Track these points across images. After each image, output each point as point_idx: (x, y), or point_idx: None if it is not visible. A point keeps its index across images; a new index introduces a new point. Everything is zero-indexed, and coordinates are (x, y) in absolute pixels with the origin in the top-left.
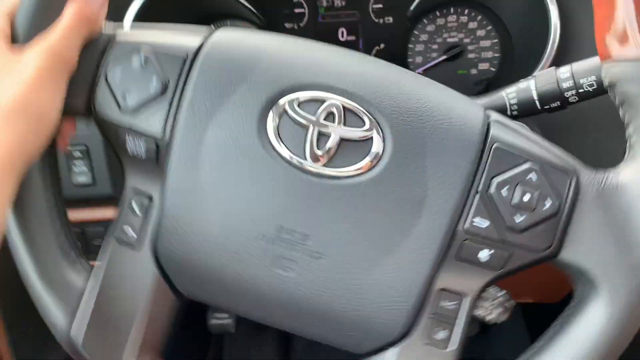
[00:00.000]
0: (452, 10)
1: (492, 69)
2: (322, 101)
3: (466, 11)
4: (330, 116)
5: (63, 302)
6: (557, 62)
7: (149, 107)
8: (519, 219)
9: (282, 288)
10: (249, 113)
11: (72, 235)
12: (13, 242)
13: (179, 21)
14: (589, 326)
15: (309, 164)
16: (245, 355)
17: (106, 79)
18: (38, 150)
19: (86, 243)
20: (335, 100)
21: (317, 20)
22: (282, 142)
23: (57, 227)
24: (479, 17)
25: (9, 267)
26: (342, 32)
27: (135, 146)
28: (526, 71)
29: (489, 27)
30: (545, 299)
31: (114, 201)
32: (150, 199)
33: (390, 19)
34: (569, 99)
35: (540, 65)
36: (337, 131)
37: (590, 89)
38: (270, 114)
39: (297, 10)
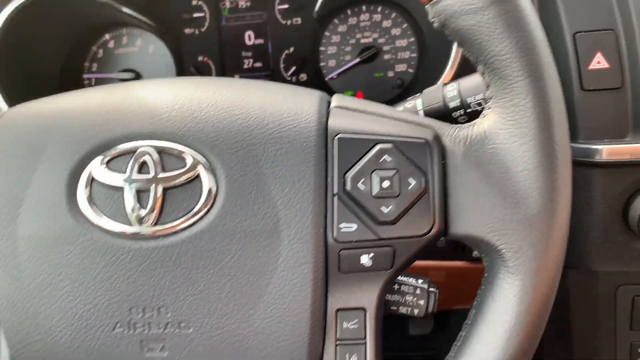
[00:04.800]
0: (364, 8)
1: (410, 70)
2: (132, 152)
3: (379, 9)
4: (145, 166)
5: None
6: (467, 61)
7: None
8: (386, 209)
9: None
10: (54, 193)
11: None
12: None
13: (65, 34)
14: (504, 303)
15: (136, 229)
16: None
17: None
18: None
19: None
20: (144, 147)
21: (221, 24)
22: (101, 213)
23: None
24: (393, 15)
25: None
26: (249, 36)
27: None
28: (443, 72)
29: (404, 26)
30: None
31: None
32: None
33: (299, 20)
34: (458, 120)
35: (448, 67)
36: (156, 182)
37: (479, 108)
38: (79, 187)
39: (196, 15)
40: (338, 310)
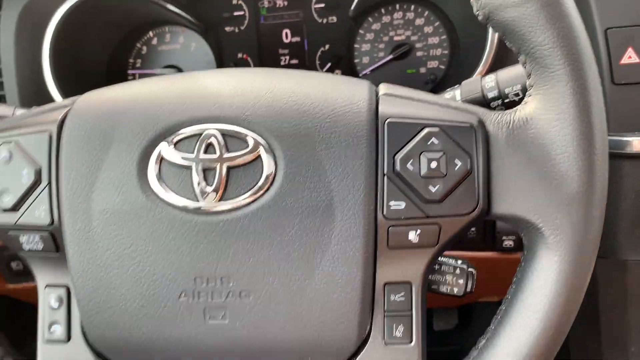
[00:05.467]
0: (397, 7)
1: (442, 67)
2: (199, 135)
3: (412, 7)
4: (211, 147)
5: None
6: (500, 57)
7: (30, 199)
8: (433, 189)
9: (222, 338)
10: (126, 172)
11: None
12: None
13: (112, 32)
14: (543, 276)
15: (202, 204)
16: None
17: None
18: None
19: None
20: (210, 129)
21: (259, 22)
22: (170, 190)
23: None
24: (426, 13)
25: None
26: (286, 34)
27: (30, 242)
28: (473, 69)
29: (437, 23)
30: None
31: None
32: (66, 288)
33: (334, 19)
34: (496, 110)
35: (482, 62)
36: (221, 161)
37: (516, 99)
38: (149, 165)
39: (236, 13)
40: (386, 283)
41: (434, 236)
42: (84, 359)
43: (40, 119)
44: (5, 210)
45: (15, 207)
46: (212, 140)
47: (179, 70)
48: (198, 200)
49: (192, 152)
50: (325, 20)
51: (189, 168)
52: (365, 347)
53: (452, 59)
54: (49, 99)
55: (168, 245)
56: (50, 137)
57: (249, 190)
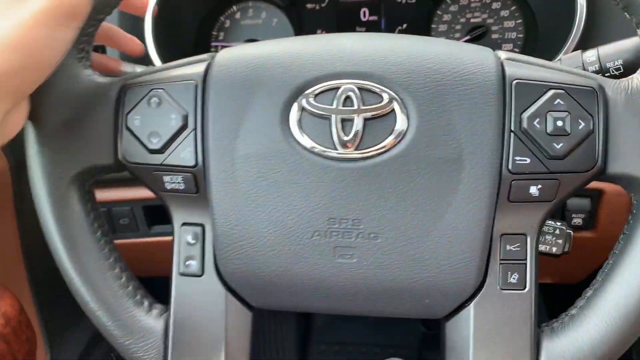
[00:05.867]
0: None
1: (516, 50)
2: (337, 88)
3: None
4: (348, 101)
5: (150, 349)
6: (583, 44)
7: (177, 142)
8: (558, 145)
9: (349, 275)
10: (269, 120)
11: (137, 282)
12: (82, 299)
13: (203, 3)
14: None
15: (340, 152)
16: (266, 332)
17: (127, 127)
18: (31, 87)
19: (112, 223)
20: (348, 84)
21: (339, 0)
22: (310, 138)
23: (124, 282)
24: None
25: (38, 242)
26: (364, 12)
27: (172, 182)
28: (551, 53)
29: (513, 7)
30: (565, 280)
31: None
32: (202, 226)
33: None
34: None
35: (566, 47)
36: (358, 113)
37: (617, 73)
38: (291, 115)
39: None
40: (503, 234)
41: (554, 191)
42: (216, 291)
43: (184, 70)
44: (152, 152)
45: (162, 149)
46: (350, 94)
47: None
48: (336, 148)
49: (331, 104)
50: (404, 0)
51: (328, 118)
52: (482, 292)
53: (527, 43)
54: (147, 64)
55: (305, 188)
56: (196, 87)
57: (383, 140)
